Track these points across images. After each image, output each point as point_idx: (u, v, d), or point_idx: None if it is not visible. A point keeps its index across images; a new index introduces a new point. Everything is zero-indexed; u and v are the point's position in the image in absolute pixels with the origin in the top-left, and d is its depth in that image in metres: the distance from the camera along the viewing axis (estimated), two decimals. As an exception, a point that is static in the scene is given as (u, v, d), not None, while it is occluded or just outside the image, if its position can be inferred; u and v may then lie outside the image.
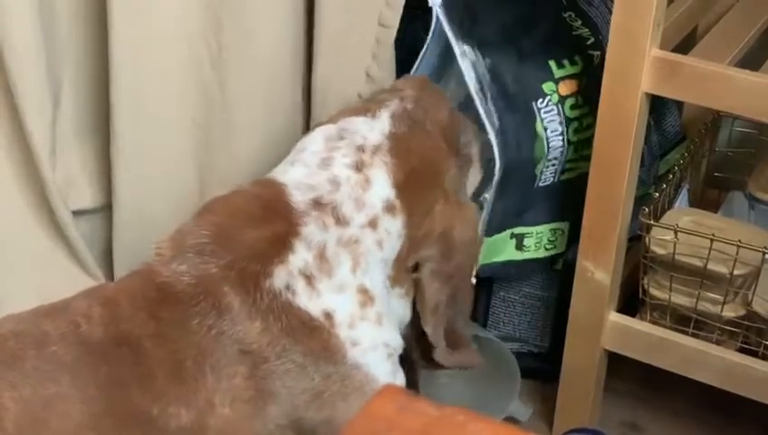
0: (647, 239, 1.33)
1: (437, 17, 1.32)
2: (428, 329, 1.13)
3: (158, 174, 1.31)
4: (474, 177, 1.24)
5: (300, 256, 1.05)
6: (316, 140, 1.12)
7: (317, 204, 1.07)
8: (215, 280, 1.02)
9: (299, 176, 1.09)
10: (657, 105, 1.35)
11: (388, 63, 1.33)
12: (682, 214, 1.39)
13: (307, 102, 1.35)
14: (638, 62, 1.21)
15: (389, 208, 1.09)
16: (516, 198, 1.39)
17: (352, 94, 1.31)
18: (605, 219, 1.31)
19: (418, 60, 1.35)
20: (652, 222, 1.33)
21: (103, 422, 0.96)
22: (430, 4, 1.31)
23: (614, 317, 1.38)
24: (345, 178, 1.08)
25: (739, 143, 1.61)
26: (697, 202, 1.58)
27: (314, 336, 1.04)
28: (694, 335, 1.34)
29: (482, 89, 1.34)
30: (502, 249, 1.43)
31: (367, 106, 1.16)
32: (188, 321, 1.00)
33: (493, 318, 1.59)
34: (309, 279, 1.04)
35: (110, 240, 1.33)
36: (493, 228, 1.40)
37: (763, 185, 1.52)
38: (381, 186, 1.09)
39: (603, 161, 1.28)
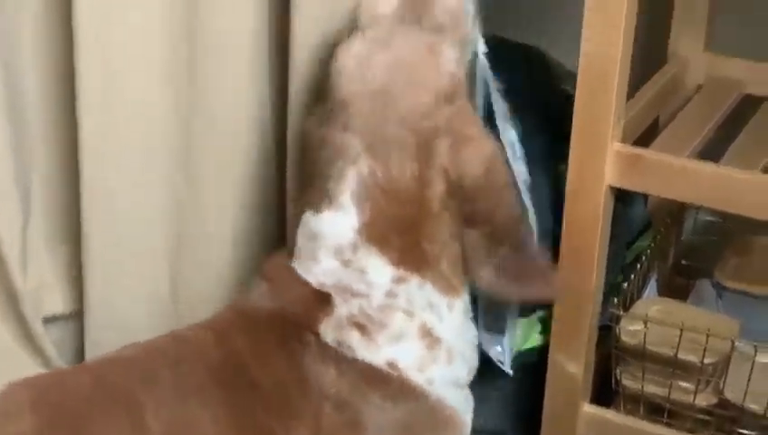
0: (617, 330, 1.34)
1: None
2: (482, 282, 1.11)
3: (130, 274, 1.31)
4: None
5: (343, 310, 1.06)
6: (299, 236, 1.11)
7: (323, 285, 1.08)
8: (289, 315, 1.07)
9: (300, 267, 1.10)
10: (623, 194, 1.36)
11: None
12: (651, 303, 1.40)
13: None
14: (600, 157, 1.23)
15: (398, 280, 1.08)
16: None
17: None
18: (575, 312, 1.32)
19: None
20: (622, 313, 1.34)
21: None
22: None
23: (588, 409, 1.37)
24: (340, 270, 1.07)
25: (704, 231, 1.63)
26: (666, 290, 1.59)
27: (387, 382, 1.06)
28: (668, 425, 1.34)
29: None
30: (529, 335, 1.40)
31: (327, 189, 1.08)
32: (282, 342, 1.06)
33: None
34: (362, 329, 1.06)
35: (83, 345, 1.33)
36: (525, 310, 1.36)
37: (729, 273, 1.52)
38: (379, 272, 1.08)
39: (571, 254, 1.29)
